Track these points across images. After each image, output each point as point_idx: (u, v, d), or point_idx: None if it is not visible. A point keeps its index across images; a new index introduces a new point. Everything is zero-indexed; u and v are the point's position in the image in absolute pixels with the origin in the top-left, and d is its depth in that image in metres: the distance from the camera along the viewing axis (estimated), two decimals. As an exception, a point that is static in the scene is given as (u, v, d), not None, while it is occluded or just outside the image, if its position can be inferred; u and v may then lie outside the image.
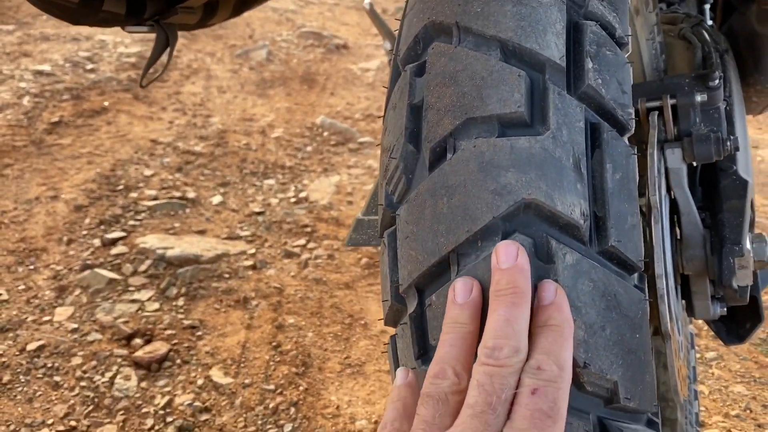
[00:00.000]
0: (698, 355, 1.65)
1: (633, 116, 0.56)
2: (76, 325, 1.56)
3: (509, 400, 0.39)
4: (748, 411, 1.48)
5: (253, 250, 1.90)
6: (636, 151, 0.55)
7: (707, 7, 1.44)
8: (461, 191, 0.52)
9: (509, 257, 0.45)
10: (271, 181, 2.36)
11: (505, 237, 0.50)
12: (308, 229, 2.04)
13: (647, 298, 0.53)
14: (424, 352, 0.54)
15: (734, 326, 1.07)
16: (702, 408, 1.48)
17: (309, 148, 2.66)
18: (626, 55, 0.59)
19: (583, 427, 0.49)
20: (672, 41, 1.23)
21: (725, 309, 1.00)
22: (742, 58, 1.26)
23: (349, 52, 4.05)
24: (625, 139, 0.55)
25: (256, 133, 2.77)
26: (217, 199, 2.19)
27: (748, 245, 0.87)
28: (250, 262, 1.84)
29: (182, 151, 2.54)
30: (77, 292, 1.69)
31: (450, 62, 0.56)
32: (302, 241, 1.97)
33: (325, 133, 2.82)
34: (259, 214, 2.12)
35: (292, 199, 2.23)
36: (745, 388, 1.56)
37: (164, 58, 1.07)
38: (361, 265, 1.85)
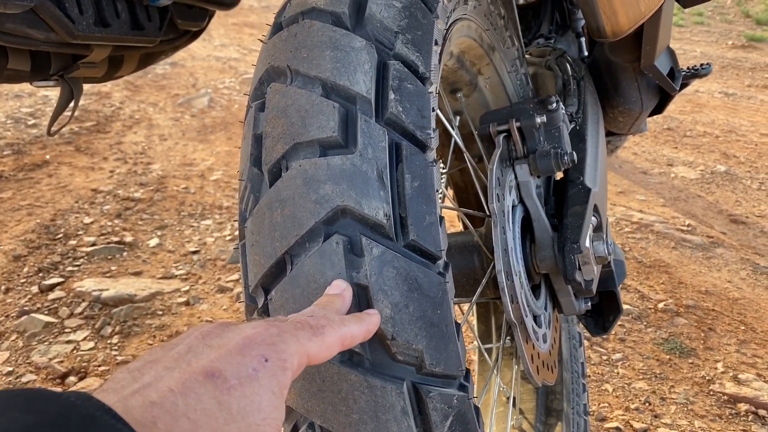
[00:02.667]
0: (605, 357, 1.78)
1: (432, 135, 0.68)
2: (11, 368, 1.61)
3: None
4: (647, 404, 1.61)
5: (187, 288, 1.98)
6: (434, 162, 0.68)
7: (583, 39, 1.61)
8: (290, 203, 0.64)
9: (338, 289, 0.58)
10: (208, 222, 2.45)
11: (326, 238, 0.62)
12: (242, 265, 2.13)
13: (447, 281, 0.65)
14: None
15: (600, 319, 1.20)
16: (605, 404, 1.60)
17: (246, 189, 2.76)
18: (431, 87, 0.71)
19: (395, 390, 0.60)
20: (542, 71, 1.39)
21: (590, 305, 1.13)
22: (604, 85, 1.42)
23: (290, 96, 4.19)
24: (427, 153, 0.67)
25: (196, 176, 2.86)
26: (154, 242, 2.27)
27: (587, 244, 1.00)
28: (183, 299, 1.91)
29: (122, 198, 2.61)
30: (14, 337, 1.74)
31: (282, 98, 0.68)
32: (236, 276, 2.05)
33: (263, 174, 2.93)
34: (194, 253, 2.20)
35: (228, 237, 2.32)
36: (646, 383, 1.68)
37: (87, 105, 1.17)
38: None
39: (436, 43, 0.76)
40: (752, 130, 3.95)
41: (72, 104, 1.13)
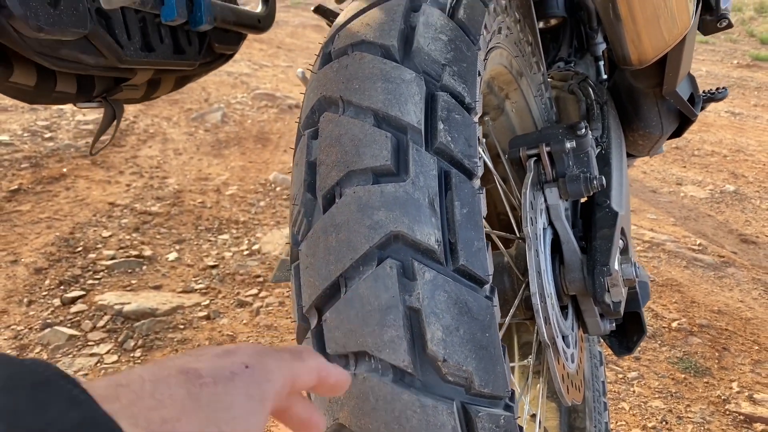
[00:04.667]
0: (621, 376, 1.80)
1: (478, 164, 0.71)
2: (36, 381, 1.64)
3: None
4: (664, 423, 1.62)
5: (207, 302, 2.01)
6: (481, 190, 0.71)
7: (601, 63, 1.64)
8: (345, 228, 0.66)
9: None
10: (225, 236, 2.48)
11: (380, 262, 0.65)
12: (260, 279, 2.15)
13: (495, 304, 0.67)
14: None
15: (624, 340, 1.22)
16: (622, 422, 1.62)
17: (262, 203, 2.80)
18: (476, 117, 0.75)
19: (446, 410, 0.63)
20: (564, 95, 1.42)
21: (614, 325, 1.15)
22: (625, 109, 1.45)
23: (302, 111, 4.24)
24: (474, 181, 0.70)
25: (211, 191, 2.89)
26: (172, 256, 2.30)
27: (616, 266, 1.03)
28: (204, 313, 1.94)
29: (139, 212, 2.64)
30: (38, 349, 1.76)
31: (336, 127, 0.71)
32: (254, 291, 2.08)
33: (278, 188, 2.96)
34: (213, 267, 2.23)
35: (246, 252, 2.35)
36: (663, 402, 1.70)
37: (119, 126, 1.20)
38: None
39: (479, 74, 0.79)
40: (760, 150, 3.98)
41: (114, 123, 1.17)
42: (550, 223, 1.06)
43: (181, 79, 1.27)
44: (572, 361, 1.05)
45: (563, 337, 1.03)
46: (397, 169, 0.67)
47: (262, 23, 1.31)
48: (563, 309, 1.09)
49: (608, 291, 1.02)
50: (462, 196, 0.68)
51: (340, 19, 0.82)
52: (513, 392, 0.69)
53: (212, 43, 1.19)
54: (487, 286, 0.68)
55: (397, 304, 0.63)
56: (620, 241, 1.11)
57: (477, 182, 0.71)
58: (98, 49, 0.94)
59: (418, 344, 0.63)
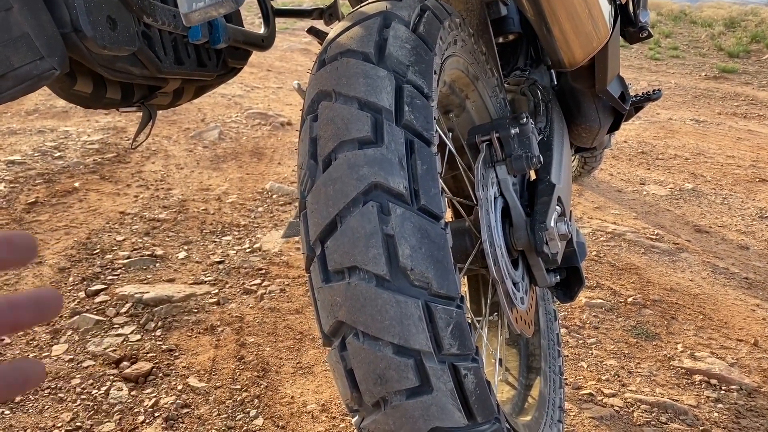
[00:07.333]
0: (581, 341, 2.06)
1: (434, 134, 0.98)
2: (71, 357, 1.88)
3: None
4: (616, 376, 1.89)
5: (216, 291, 2.26)
6: (436, 152, 0.98)
7: (553, 71, 1.93)
8: (339, 181, 0.93)
9: None
10: (228, 238, 2.73)
11: (365, 203, 0.91)
12: (263, 272, 2.41)
13: (447, 231, 0.94)
14: (327, 278, 0.93)
15: (568, 290, 1.48)
16: (581, 377, 1.88)
17: (260, 209, 3.06)
18: (432, 102, 1.02)
19: (414, 304, 0.89)
20: (518, 97, 1.70)
21: (558, 278, 1.42)
22: (569, 107, 1.74)
23: (293, 128, 4.53)
24: (431, 147, 0.97)
25: (213, 200, 3.15)
26: (182, 255, 2.55)
27: (552, 224, 1.30)
28: (214, 300, 2.19)
29: (148, 219, 2.90)
30: (69, 333, 2.01)
31: (330, 111, 0.98)
32: (258, 281, 2.33)
33: (274, 196, 3.23)
34: (219, 263, 2.48)
35: (248, 250, 2.61)
36: (616, 361, 1.97)
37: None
38: (309, 295, 2.22)
39: (435, 73, 1.07)
40: (719, 153, 4.30)
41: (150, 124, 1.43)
42: (502, 194, 1.33)
43: (200, 89, 1.54)
44: (522, 303, 1.31)
45: (514, 284, 1.29)
46: (376, 139, 0.94)
47: (265, 42, 1.59)
48: (514, 263, 1.35)
49: (546, 243, 1.29)
50: (422, 157, 0.95)
51: (331, 35, 1.10)
52: (462, 296, 0.95)
53: (226, 59, 1.47)
54: (442, 221, 0.95)
55: (378, 231, 0.89)
56: (558, 208, 1.38)
57: (434, 148, 0.98)
58: (143, 62, 1.21)
59: (393, 259, 0.89)
